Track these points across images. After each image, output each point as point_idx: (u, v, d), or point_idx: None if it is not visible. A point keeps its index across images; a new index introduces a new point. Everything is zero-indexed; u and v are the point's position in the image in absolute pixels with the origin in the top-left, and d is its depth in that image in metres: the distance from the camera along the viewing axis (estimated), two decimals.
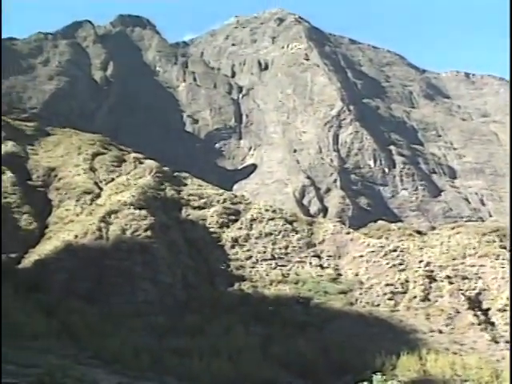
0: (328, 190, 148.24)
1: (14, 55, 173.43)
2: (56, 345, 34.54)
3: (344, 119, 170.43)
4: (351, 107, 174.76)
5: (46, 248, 63.62)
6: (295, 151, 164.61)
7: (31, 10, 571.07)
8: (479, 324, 47.48)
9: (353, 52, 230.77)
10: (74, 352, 33.79)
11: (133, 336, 41.08)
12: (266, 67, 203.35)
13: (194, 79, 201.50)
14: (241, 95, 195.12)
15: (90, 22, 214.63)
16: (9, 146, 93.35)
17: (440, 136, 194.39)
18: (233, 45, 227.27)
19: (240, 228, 72.36)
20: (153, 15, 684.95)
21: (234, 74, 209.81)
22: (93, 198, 77.87)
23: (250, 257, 67.04)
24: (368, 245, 65.39)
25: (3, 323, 35.34)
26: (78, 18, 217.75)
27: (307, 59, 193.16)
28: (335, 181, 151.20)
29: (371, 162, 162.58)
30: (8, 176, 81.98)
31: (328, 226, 74.21)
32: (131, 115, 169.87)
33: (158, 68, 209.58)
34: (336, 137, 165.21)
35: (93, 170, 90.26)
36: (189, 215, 76.21)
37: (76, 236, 62.95)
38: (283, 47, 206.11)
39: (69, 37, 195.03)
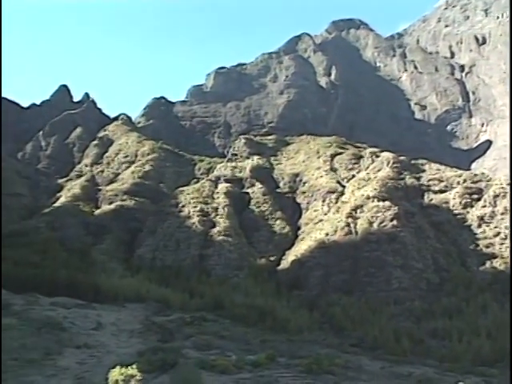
0: None
1: (246, 78, 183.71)
2: (320, 336, 35.78)
3: None
4: None
5: (300, 248, 66.37)
6: None
7: (252, 34, 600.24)
8: None
9: None
10: (338, 341, 34.71)
11: (391, 322, 41.11)
12: (484, 41, 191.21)
13: (415, 67, 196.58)
14: (464, 74, 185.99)
15: (307, 33, 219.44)
16: (255, 161, 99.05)
17: None
18: (446, 26, 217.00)
19: (484, 206, 69.20)
20: (362, 13, 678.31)
21: (453, 55, 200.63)
22: (337, 196, 79.64)
23: (498, 233, 63.74)
24: None
25: (271, 320, 37.42)
26: (294, 32, 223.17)
27: None
28: None
29: None
30: (258, 187, 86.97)
31: None
32: (360, 112, 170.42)
33: (378, 63, 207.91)
34: None
35: (333, 169, 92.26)
36: (431, 200, 74.52)
37: (327, 234, 64.88)
38: (498, 17, 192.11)
39: (290, 51, 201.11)
